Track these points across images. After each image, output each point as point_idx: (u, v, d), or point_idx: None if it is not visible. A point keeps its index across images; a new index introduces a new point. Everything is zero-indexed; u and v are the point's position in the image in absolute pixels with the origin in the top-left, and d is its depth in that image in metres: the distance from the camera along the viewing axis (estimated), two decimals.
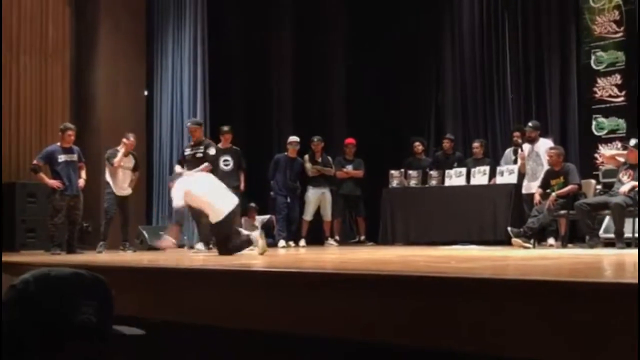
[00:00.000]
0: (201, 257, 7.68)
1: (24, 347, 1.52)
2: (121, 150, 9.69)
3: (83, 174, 9.28)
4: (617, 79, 10.50)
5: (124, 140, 9.73)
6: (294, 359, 3.48)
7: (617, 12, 10.56)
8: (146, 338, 1.73)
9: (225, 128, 10.33)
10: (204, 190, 7.27)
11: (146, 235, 10.39)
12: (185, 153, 9.69)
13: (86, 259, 7.70)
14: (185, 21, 12.03)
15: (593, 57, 10.76)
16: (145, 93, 12.46)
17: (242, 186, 10.15)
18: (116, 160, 9.50)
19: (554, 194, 8.50)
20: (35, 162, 9.21)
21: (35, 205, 10.13)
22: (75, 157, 9.19)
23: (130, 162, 9.80)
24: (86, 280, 1.60)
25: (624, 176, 8.24)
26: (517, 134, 10.22)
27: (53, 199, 9.06)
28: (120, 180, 9.66)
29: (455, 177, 10.46)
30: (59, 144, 9.21)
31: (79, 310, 1.53)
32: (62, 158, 9.06)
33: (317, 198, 10.93)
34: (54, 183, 9.01)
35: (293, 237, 10.81)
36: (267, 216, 11.42)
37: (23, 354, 1.52)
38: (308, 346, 3.36)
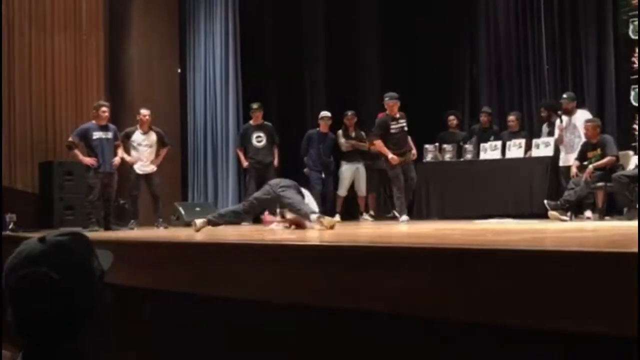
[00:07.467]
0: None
1: None
2: (139, 128, 9.61)
3: (120, 152, 9.33)
4: None
5: (138, 116, 9.64)
6: (330, 331, 3.50)
7: None
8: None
9: (255, 105, 10.31)
10: None
11: (182, 211, 10.45)
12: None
13: (122, 235, 7.79)
14: None
15: (631, 27, 10.54)
16: (179, 70, 12.49)
17: (275, 162, 10.15)
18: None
19: (591, 166, 8.40)
20: (70, 139, 9.28)
21: (73, 183, 10.19)
22: (110, 134, 9.23)
23: (149, 138, 9.66)
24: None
25: None
26: (544, 109, 10.12)
27: (87, 176, 9.15)
28: (143, 158, 9.56)
29: (490, 151, 10.36)
30: (94, 121, 9.27)
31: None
32: (96, 135, 9.12)
33: (351, 173, 10.91)
34: (87, 160, 9.08)
35: (327, 212, 10.78)
36: None
37: None
38: (343, 319, 3.37)
